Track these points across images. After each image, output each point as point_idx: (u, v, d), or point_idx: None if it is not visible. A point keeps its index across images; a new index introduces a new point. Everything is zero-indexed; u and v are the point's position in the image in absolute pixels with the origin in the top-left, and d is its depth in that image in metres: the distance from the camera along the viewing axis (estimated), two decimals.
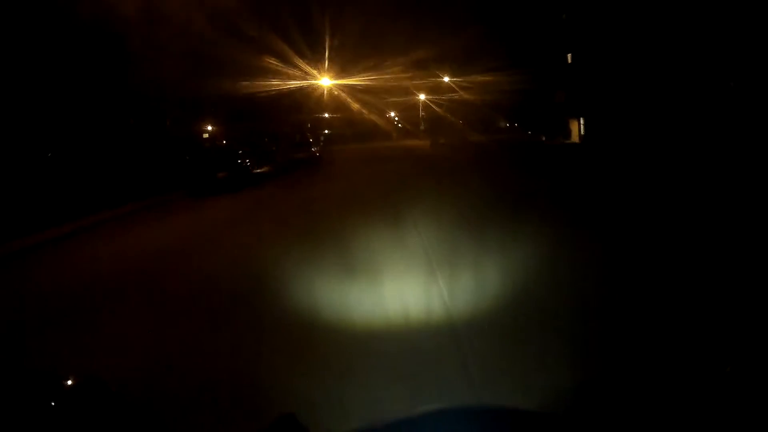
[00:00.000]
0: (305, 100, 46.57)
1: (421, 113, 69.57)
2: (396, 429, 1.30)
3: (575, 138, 43.27)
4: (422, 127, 68.51)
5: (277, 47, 37.13)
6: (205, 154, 21.67)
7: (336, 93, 51.97)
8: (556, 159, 26.96)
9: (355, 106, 55.21)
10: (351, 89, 51.36)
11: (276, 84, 37.45)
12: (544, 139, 44.57)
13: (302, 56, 40.26)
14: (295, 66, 38.68)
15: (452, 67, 55.22)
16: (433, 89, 60.69)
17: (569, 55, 44.00)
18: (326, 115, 66.61)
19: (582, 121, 41.95)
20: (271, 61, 37.41)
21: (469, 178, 18.30)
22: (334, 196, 15.84)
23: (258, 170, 21.83)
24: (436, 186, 16.52)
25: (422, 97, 65.62)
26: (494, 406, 1.51)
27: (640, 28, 33.04)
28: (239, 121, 38.43)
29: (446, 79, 57.55)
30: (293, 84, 40.72)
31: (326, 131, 65.68)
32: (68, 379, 1.63)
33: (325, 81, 46.18)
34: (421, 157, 32.17)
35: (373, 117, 60.66)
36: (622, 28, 35.08)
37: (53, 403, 1.52)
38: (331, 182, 20.77)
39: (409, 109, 69.33)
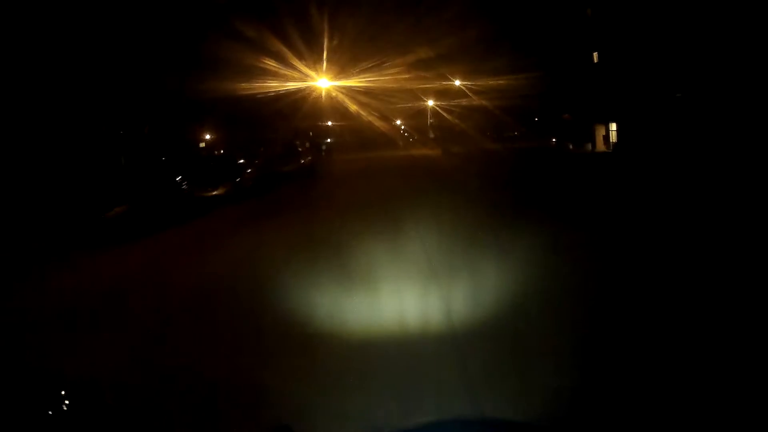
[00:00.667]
0: (301, 105, 42.30)
1: (430, 120, 65.35)
2: None
3: (601, 146, 38.82)
4: (431, 135, 64.31)
5: (270, 45, 33.02)
6: (102, 175, 15.50)
7: (338, 99, 47.80)
8: (594, 173, 22.32)
9: (359, 113, 50.92)
10: (353, 95, 47.18)
11: (267, 86, 33.18)
12: (571, 147, 40.03)
13: (299, 56, 36.08)
14: (291, 66, 34.48)
15: (464, 70, 50.88)
16: (443, 94, 56.44)
17: (595, 54, 39.65)
18: (329, 123, 62.66)
19: (614, 127, 37.48)
20: (262, 60, 33.30)
21: (501, 206, 13.38)
22: (298, 261, 8.25)
23: (212, 192, 16.05)
24: (466, 220, 10.94)
25: (430, 102, 61.39)
26: (491, 418, 1.60)
27: (675, 21, 28.73)
28: (219, 127, 34.10)
29: (457, 82, 53.20)
30: (288, 86, 36.45)
31: (328, 140, 61.61)
32: (66, 386, 1.63)
33: (322, 82, 41.90)
34: (435, 171, 27.43)
35: (378, 124, 56.42)
36: (654, 22, 30.71)
37: (49, 410, 1.53)
38: (311, 216, 12.99)
39: (416, 116, 65.10)
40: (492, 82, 46.52)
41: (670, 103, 29.04)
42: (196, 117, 33.91)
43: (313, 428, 3.47)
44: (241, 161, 19.34)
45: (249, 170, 19.11)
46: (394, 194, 16.07)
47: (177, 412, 3.81)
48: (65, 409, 1.54)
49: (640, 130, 31.69)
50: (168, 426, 3.58)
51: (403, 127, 71.41)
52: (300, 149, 32.78)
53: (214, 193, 16.09)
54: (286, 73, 35.73)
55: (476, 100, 50.70)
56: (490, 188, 17.37)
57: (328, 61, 40.93)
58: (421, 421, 1.33)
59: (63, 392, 1.60)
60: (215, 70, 30.86)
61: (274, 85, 35.68)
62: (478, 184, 19.30)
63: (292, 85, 37.48)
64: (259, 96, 34.33)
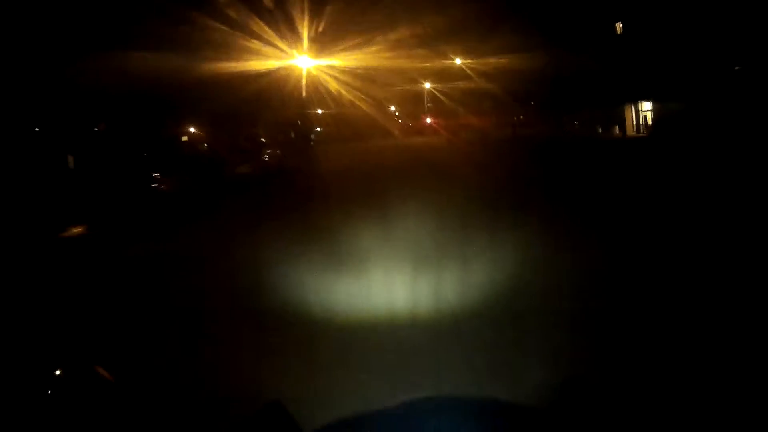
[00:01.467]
0: (285, 92, 37.03)
1: (428, 104, 60.35)
2: (382, 418, 1.33)
3: (631, 130, 34.07)
4: (430, 121, 59.49)
5: (246, 20, 27.91)
6: None
7: (326, 85, 42.56)
8: (659, 168, 17.12)
9: (350, 99, 45.67)
10: (343, 80, 41.90)
11: (245, 68, 28.03)
12: (600, 131, 35.15)
13: (280, 34, 30.93)
14: (267, 42, 29.29)
15: (465, 49, 45.72)
16: (442, 76, 51.37)
17: (618, 25, 34.76)
18: (318, 111, 57.58)
19: (644, 108, 32.71)
20: (239, 37, 28.22)
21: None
22: None
23: (68, 232, 9.94)
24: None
25: (428, 85, 56.29)
26: (480, 398, 1.68)
27: None
28: (195, 119, 28.95)
29: (458, 61, 48.04)
30: (270, 67, 31.28)
31: (317, 129, 56.60)
32: (63, 368, 1.65)
33: (303, 61, 36.56)
34: (446, 169, 21.48)
35: (371, 111, 51.34)
36: None
37: (48, 391, 1.55)
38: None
39: (412, 101, 59.95)
40: (498, 61, 41.46)
41: (726, 79, 24.22)
42: (164, 108, 28.93)
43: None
44: (153, 175, 12.81)
45: (158, 181, 12.73)
46: (401, 220, 10.14)
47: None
48: (62, 388, 1.54)
49: (685, 110, 26.82)
50: (171, 399, 3.69)
51: (397, 113, 66.33)
52: (264, 141, 27.33)
53: (76, 231, 9.82)
54: (267, 52, 30.65)
55: (480, 83, 45.65)
56: (535, 200, 12.02)
57: (315, 42, 35.87)
58: (409, 399, 1.34)
59: (59, 372, 1.59)
60: (181, 50, 25.82)
61: (253, 66, 30.57)
62: (514, 194, 13.74)
63: (272, 65, 32.36)
64: (235, 81, 29.27)
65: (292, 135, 54.30)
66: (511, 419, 1.32)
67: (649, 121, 31.77)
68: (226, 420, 3.35)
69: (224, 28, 27.13)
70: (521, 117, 44.69)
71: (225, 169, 18.42)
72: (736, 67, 23.43)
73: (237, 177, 18.60)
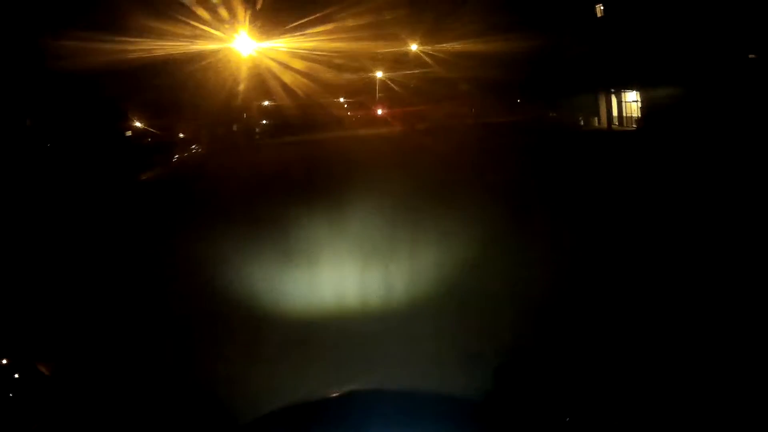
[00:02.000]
0: (215, 80, 32.34)
1: (379, 94, 56.56)
2: (310, 409, 1.34)
3: (614, 121, 31.64)
4: (382, 111, 56.15)
5: None
6: None
7: (274, 75, 37.88)
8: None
9: (299, 90, 41.14)
10: (291, 69, 37.23)
11: (158, 49, 23.68)
12: (582, 122, 32.43)
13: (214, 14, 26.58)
14: (205, 22, 24.88)
15: (425, 32, 42.09)
16: (399, 63, 47.49)
17: (599, 7, 32.08)
18: (266, 102, 53.30)
19: (628, 98, 30.25)
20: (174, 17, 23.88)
21: None
22: None
23: None
24: None
25: (380, 74, 52.40)
26: (410, 390, 1.56)
27: None
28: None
29: (414, 47, 44.46)
30: (194, 50, 26.84)
31: (264, 121, 52.71)
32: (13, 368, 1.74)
33: (244, 44, 32.04)
34: (397, 159, 18.72)
35: (322, 101, 47.30)
36: None
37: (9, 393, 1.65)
38: None
39: (365, 90, 55.91)
40: (465, 46, 38.08)
41: (734, 68, 21.68)
42: (100, 97, 24.55)
43: None
44: None
45: None
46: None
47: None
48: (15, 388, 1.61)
49: (682, 102, 24.25)
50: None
51: (347, 104, 62.19)
52: (183, 136, 23.79)
53: None
54: (204, 34, 26.14)
55: (442, 71, 42.20)
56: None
57: (258, 26, 31.39)
58: (338, 390, 1.32)
59: (16, 375, 1.65)
60: (100, 32, 21.48)
61: (187, 50, 26.07)
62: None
63: (209, 47, 27.87)
64: (165, 68, 24.84)
65: (235, 128, 49.68)
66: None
67: (636, 113, 29.31)
68: (162, 411, 3.37)
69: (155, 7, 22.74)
70: (492, 106, 41.66)
71: (116, 178, 14.81)
72: (751, 55, 20.90)
73: (135, 186, 14.81)
